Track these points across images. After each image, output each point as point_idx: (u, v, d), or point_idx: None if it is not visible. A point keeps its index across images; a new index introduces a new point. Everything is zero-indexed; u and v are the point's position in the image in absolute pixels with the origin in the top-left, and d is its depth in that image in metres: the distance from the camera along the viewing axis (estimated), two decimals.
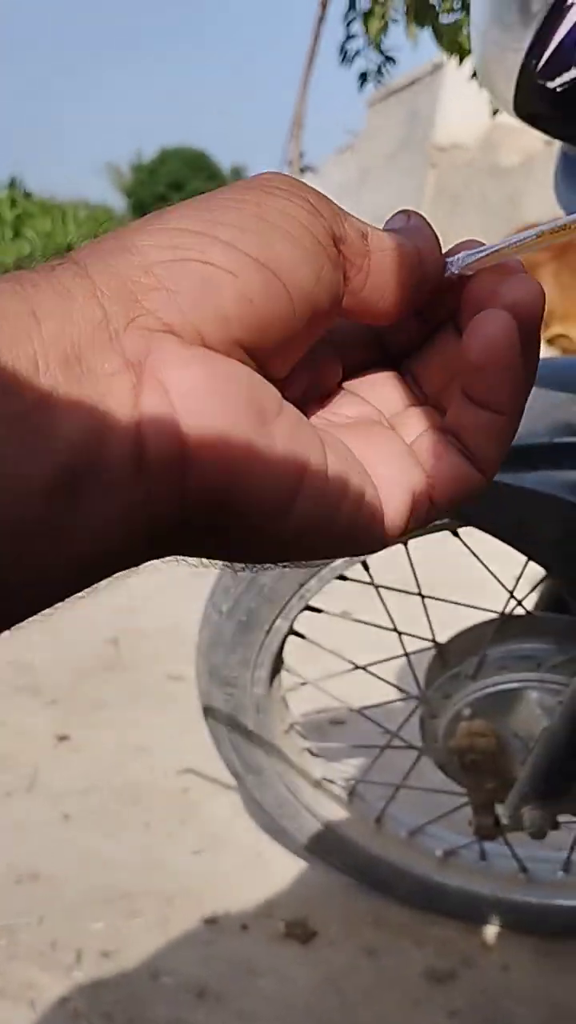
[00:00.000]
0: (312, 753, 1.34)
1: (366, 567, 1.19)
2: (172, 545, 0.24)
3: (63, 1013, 1.14)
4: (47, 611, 0.23)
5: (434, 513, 0.29)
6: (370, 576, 1.20)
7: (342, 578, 1.19)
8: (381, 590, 1.21)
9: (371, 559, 1.18)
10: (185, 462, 0.22)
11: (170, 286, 0.22)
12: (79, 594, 0.23)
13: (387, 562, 1.24)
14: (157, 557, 0.25)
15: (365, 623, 1.28)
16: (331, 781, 1.34)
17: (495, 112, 4.62)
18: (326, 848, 1.34)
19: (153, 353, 0.22)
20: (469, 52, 4.80)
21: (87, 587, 0.23)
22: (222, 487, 0.22)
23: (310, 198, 0.25)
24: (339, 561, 1.14)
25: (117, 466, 0.21)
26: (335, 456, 0.25)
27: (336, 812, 1.34)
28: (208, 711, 1.28)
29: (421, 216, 0.29)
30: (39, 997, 1.16)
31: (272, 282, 0.23)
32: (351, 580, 1.21)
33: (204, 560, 0.27)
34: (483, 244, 0.29)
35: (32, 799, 1.54)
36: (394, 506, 0.27)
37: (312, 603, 1.20)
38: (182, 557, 0.26)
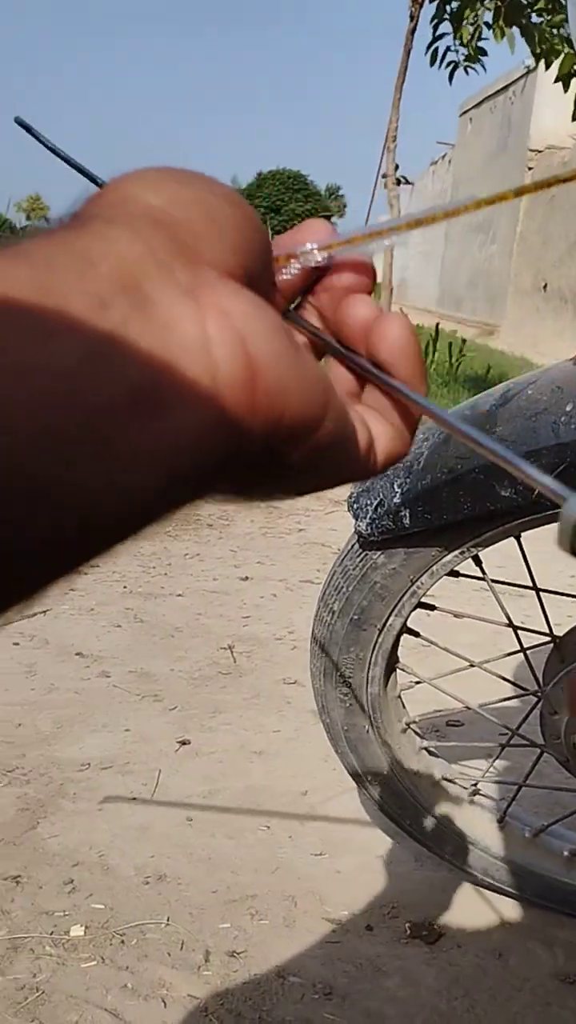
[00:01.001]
0: (430, 752, 1.33)
1: (478, 562, 1.18)
2: (234, 471, 0.26)
3: (194, 1011, 1.16)
4: (138, 537, 0.25)
5: (378, 468, 0.33)
6: (483, 571, 1.19)
7: (454, 574, 1.18)
8: (494, 585, 1.20)
9: (483, 554, 1.17)
10: (253, 379, 0.24)
11: (184, 220, 0.25)
12: (160, 519, 0.25)
13: (500, 557, 1.22)
14: (221, 487, 0.28)
15: (479, 619, 1.26)
16: (451, 781, 1.33)
17: None
18: (449, 849, 1.33)
19: (203, 284, 0.24)
20: (558, 54, 4.73)
21: (167, 511, 0.25)
22: (281, 400, 0.25)
23: None
24: (450, 556, 1.14)
25: (195, 383, 0.23)
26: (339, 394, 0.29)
27: (457, 812, 1.32)
28: (323, 712, 1.29)
29: None
30: (170, 996, 1.18)
31: (248, 214, 0.27)
32: (464, 576, 1.20)
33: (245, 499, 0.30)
34: (327, 231, 0.33)
35: (156, 803, 1.58)
36: (380, 449, 0.32)
37: (424, 600, 1.20)
38: (230, 494, 0.29)
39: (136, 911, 1.32)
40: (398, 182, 5.43)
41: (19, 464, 0.20)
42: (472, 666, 1.26)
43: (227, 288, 0.25)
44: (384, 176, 5.40)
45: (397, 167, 5.39)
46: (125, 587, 2.62)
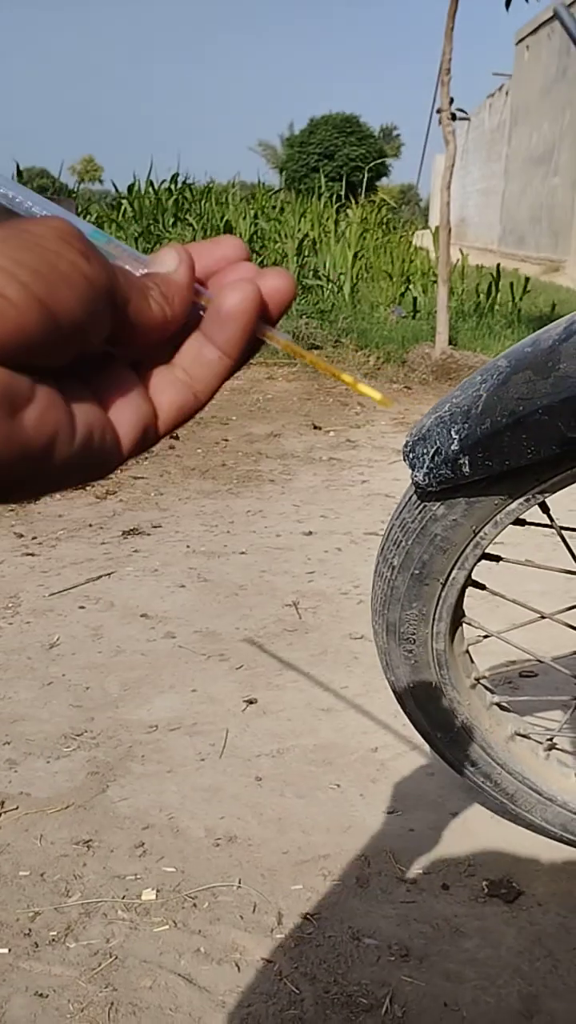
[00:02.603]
0: (502, 707, 1.29)
1: (545, 509, 1.12)
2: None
3: (268, 975, 1.15)
4: None
5: (160, 436, 0.36)
6: (550, 518, 1.13)
7: (519, 522, 1.12)
8: (564, 532, 1.14)
9: (550, 500, 1.11)
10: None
11: None
12: None
13: (572, 500, 1.16)
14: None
15: (548, 568, 1.20)
16: (525, 736, 1.28)
17: None
18: (525, 805, 1.29)
19: None
20: None
21: None
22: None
23: (100, 259, 0.30)
24: (514, 504, 1.08)
25: None
26: (83, 416, 0.31)
27: (533, 767, 1.28)
28: (388, 670, 1.24)
29: (185, 253, 0.34)
30: (244, 959, 1.17)
31: (50, 320, 0.28)
32: (530, 524, 1.14)
33: None
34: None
35: (225, 763, 1.56)
36: (127, 440, 0.34)
37: (489, 551, 1.14)
38: None
39: (207, 874, 1.31)
40: (453, 116, 5.21)
41: None
42: (543, 618, 1.21)
43: None
44: (439, 111, 5.19)
45: (452, 101, 5.17)
46: (188, 547, 2.60)
